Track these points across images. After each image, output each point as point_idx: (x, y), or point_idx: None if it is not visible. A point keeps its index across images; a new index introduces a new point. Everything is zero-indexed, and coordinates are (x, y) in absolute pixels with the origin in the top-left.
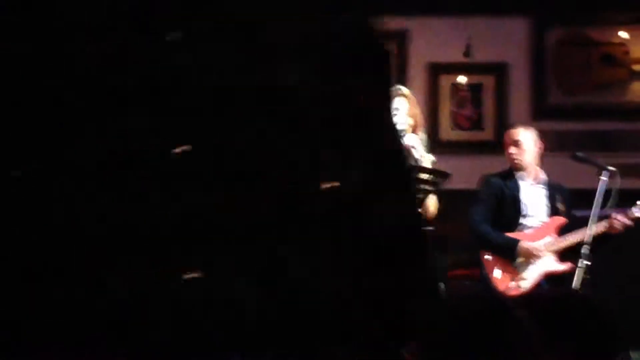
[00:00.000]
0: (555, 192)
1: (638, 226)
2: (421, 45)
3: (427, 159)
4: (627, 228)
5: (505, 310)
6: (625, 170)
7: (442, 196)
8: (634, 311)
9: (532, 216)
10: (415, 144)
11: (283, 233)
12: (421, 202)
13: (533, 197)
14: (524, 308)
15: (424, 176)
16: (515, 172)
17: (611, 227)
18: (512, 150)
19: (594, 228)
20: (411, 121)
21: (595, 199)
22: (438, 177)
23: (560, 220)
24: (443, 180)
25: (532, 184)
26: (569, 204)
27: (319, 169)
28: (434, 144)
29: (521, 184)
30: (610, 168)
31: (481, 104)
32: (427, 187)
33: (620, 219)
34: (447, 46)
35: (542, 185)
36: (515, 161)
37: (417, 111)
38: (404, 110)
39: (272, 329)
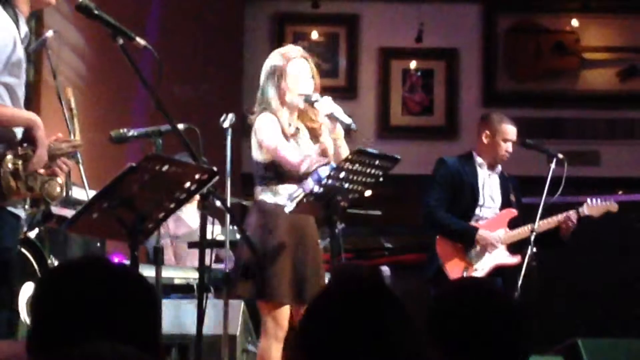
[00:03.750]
0: (507, 182)
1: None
2: (372, 30)
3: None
4: (575, 228)
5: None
6: (574, 158)
7: (390, 181)
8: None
9: (487, 206)
10: (336, 107)
11: None
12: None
13: (489, 186)
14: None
15: (373, 161)
16: (475, 159)
17: (564, 223)
18: (509, 148)
19: (548, 219)
20: (312, 83)
21: (545, 186)
22: (387, 161)
23: (513, 213)
24: (392, 165)
25: (489, 174)
26: (519, 195)
27: None
28: (385, 129)
29: (479, 172)
30: (559, 155)
31: (432, 89)
32: (376, 171)
33: (573, 219)
34: (398, 31)
35: (497, 175)
36: (505, 159)
37: (316, 73)
38: (307, 73)
39: None
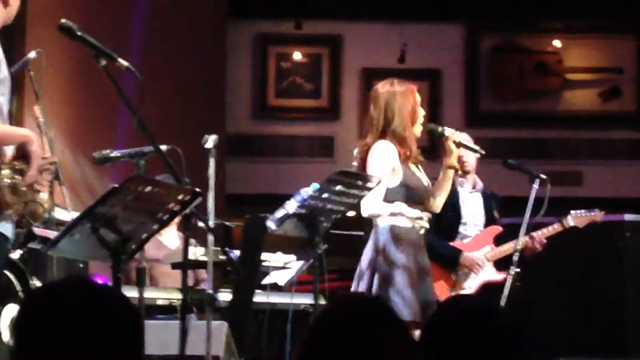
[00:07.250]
0: (490, 200)
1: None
2: (355, 50)
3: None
4: (542, 246)
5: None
6: (557, 178)
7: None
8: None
9: (471, 224)
10: (462, 135)
11: None
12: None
13: (471, 204)
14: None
15: (355, 181)
16: (455, 179)
17: (527, 245)
18: (464, 153)
19: (521, 239)
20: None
21: (527, 206)
22: (369, 182)
23: (498, 229)
24: (374, 185)
25: (470, 192)
26: (502, 212)
27: None
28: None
29: (460, 190)
30: (542, 176)
31: None
32: (358, 192)
33: (535, 239)
34: (381, 52)
35: (479, 193)
36: (467, 165)
37: None
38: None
39: None
